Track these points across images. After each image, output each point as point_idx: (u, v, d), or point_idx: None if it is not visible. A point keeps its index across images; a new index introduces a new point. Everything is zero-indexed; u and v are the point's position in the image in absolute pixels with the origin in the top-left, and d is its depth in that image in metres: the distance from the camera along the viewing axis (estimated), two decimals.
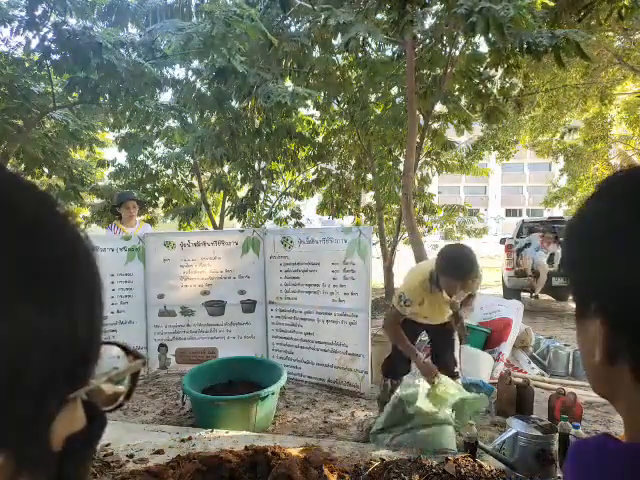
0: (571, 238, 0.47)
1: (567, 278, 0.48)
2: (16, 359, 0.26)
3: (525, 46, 4.16)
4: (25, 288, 0.26)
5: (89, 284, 0.31)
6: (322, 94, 7.66)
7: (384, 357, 3.36)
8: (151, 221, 9.28)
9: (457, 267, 2.55)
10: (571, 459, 0.43)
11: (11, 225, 0.27)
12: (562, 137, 12.46)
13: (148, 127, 7.76)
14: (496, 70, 6.71)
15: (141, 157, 8.87)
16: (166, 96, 10.41)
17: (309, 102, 6.72)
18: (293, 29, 7.02)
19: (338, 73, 7.85)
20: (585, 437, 0.49)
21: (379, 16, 6.41)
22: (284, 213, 9.82)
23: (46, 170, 8.17)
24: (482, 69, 6.87)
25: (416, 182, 8.16)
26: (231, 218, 9.09)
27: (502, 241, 8.97)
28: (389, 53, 7.79)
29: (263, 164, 8.90)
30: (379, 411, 3.18)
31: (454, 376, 3.01)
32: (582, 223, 0.46)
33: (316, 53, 7.33)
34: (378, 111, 8.40)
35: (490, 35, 3.92)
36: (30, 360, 0.26)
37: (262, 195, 9.08)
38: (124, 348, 0.36)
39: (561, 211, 19.46)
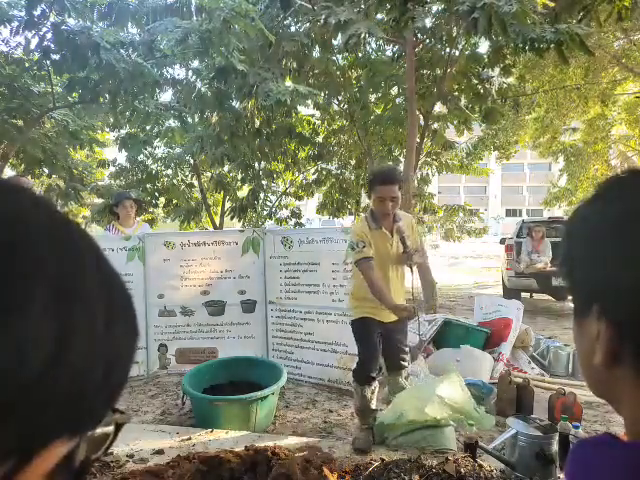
0: (572, 238, 0.47)
1: (565, 278, 0.47)
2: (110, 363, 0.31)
3: (528, 43, 4.16)
4: (115, 308, 0.32)
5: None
6: (322, 94, 7.67)
7: None
8: (152, 221, 9.27)
9: (376, 174, 2.82)
10: (572, 459, 0.43)
11: (52, 246, 0.29)
12: (557, 138, 12.46)
13: (148, 127, 7.76)
14: (492, 69, 6.73)
15: (141, 157, 8.86)
16: (166, 96, 10.40)
17: (309, 102, 6.72)
18: (293, 29, 7.02)
19: (338, 73, 7.85)
20: (586, 437, 0.49)
21: (379, 16, 6.42)
22: (284, 213, 9.81)
23: (46, 170, 8.17)
24: (481, 69, 6.88)
25: (416, 182, 8.15)
26: (232, 219, 9.09)
27: (502, 241, 8.98)
28: (389, 53, 7.80)
29: (263, 164, 8.90)
30: (361, 424, 2.95)
31: (400, 367, 2.97)
32: (584, 224, 0.46)
33: (316, 53, 7.33)
34: (378, 111, 8.41)
35: (492, 32, 3.92)
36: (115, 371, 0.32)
37: (262, 195, 9.07)
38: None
39: (561, 211, 19.45)
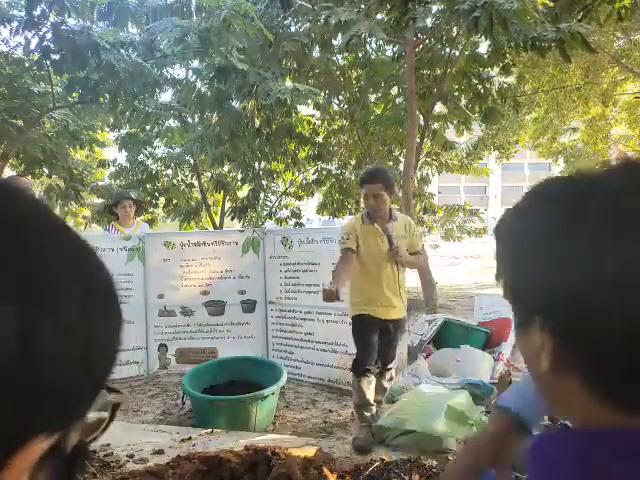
0: (507, 248, 0.47)
1: (504, 291, 0.47)
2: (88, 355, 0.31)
3: (529, 42, 4.16)
4: (91, 301, 0.32)
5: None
6: (322, 94, 7.66)
7: None
8: (152, 221, 9.26)
9: (363, 173, 3.05)
10: (532, 454, 0.44)
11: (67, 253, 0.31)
12: (557, 139, 12.46)
13: (148, 127, 7.75)
14: (492, 68, 6.74)
15: (141, 157, 8.85)
16: (166, 96, 10.40)
17: (309, 102, 6.72)
18: (293, 29, 7.02)
19: (338, 73, 7.85)
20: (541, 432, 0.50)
21: (379, 16, 6.42)
22: (284, 213, 9.81)
23: (46, 170, 8.16)
24: (481, 69, 6.88)
25: (416, 182, 8.15)
26: (232, 219, 9.09)
27: None
28: (389, 53, 7.80)
29: (263, 164, 8.90)
30: (360, 421, 3.00)
31: (387, 369, 3.09)
32: (519, 233, 0.45)
33: (316, 53, 7.33)
34: (378, 111, 8.40)
35: (493, 31, 3.92)
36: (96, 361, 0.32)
37: (262, 195, 9.07)
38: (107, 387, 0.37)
39: None
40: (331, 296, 2.56)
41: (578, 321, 0.39)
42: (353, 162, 9.69)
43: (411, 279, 3.37)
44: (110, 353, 0.34)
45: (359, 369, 2.95)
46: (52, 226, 0.32)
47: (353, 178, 9.63)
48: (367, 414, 2.95)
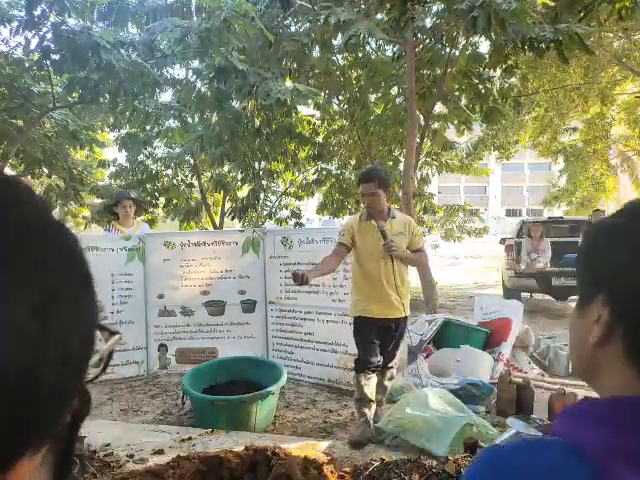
0: (592, 239, 0.54)
1: (579, 269, 0.54)
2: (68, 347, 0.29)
3: (527, 42, 4.17)
4: (81, 289, 0.32)
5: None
6: (322, 94, 7.67)
7: None
8: (152, 221, 9.26)
9: (359, 174, 3.19)
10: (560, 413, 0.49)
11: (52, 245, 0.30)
12: (557, 138, 12.47)
13: (148, 127, 7.76)
14: (494, 70, 6.73)
15: (141, 157, 8.86)
16: (166, 96, 10.39)
17: (309, 102, 6.72)
18: (293, 29, 7.02)
19: (338, 73, 7.85)
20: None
21: (379, 16, 6.42)
22: (284, 213, 9.81)
23: (46, 170, 8.16)
24: (482, 69, 6.88)
25: (416, 182, 8.15)
26: (232, 219, 9.09)
27: (502, 241, 8.98)
28: (389, 53, 7.80)
29: (263, 164, 8.90)
30: (359, 417, 3.04)
31: (388, 368, 3.14)
32: (604, 231, 0.53)
33: (316, 53, 7.33)
34: (378, 111, 8.40)
35: (492, 31, 3.92)
36: (74, 349, 0.30)
37: (262, 195, 9.07)
38: (99, 327, 0.36)
39: (561, 211, 19.44)
40: (296, 277, 2.67)
41: (635, 297, 0.44)
42: (353, 162, 9.68)
43: (411, 279, 3.36)
44: (91, 345, 0.33)
45: (359, 367, 3.03)
46: (51, 224, 0.32)
47: (353, 178, 9.62)
48: (365, 410, 2.99)
